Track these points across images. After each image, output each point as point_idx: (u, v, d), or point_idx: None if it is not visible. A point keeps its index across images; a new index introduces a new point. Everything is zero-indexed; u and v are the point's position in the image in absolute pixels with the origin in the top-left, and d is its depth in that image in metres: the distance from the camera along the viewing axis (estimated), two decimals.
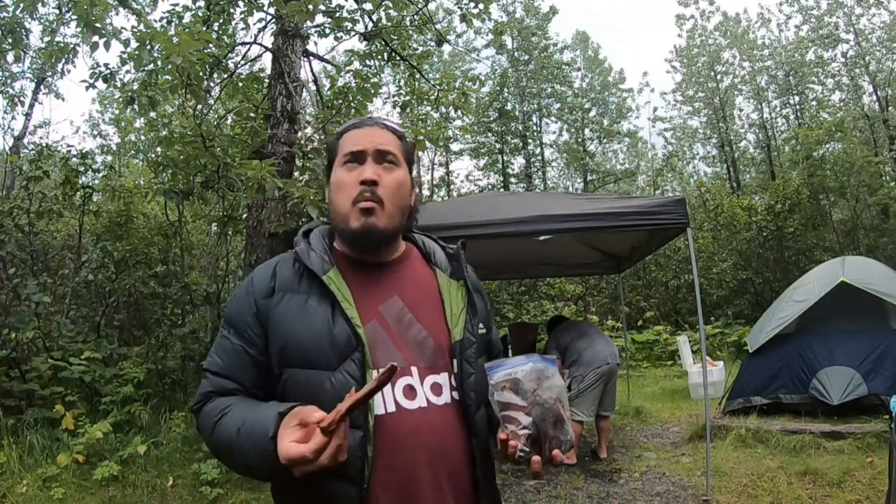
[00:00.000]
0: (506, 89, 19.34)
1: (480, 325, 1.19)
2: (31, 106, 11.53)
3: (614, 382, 4.98)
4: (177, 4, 5.60)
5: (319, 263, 1.11)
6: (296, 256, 1.15)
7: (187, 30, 4.06)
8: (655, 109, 22.73)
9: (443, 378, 1.09)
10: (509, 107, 19.63)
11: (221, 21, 5.76)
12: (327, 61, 6.79)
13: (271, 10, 5.46)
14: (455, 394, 1.09)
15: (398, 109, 6.63)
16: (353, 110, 5.52)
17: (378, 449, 1.01)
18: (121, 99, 4.96)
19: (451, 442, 1.07)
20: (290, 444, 0.88)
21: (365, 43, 6.01)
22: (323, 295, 1.09)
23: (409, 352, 1.08)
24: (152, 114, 5.27)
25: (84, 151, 6.52)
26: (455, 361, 1.11)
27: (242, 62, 6.16)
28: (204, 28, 4.63)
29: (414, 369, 1.07)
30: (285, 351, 1.07)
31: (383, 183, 1.12)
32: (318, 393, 1.01)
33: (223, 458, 1.07)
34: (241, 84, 6.22)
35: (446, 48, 17.33)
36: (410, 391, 1.06)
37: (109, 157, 12.18)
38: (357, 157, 1.13)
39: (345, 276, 1.12)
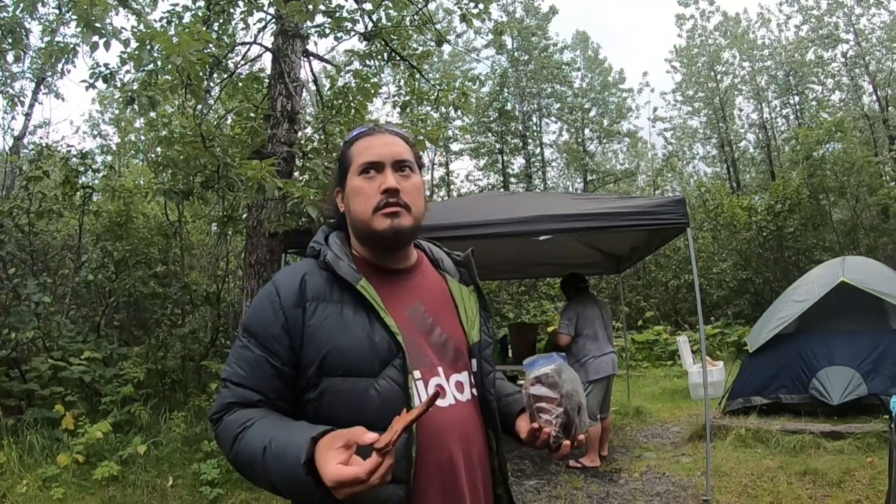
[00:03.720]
0: (506, 89, 19.33)
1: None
2: (31, 106, 11.52)
3: (611, 387, 5.06)
4: (177, 4, 5.59)
5: (351, 272, 1.13)
6: (325, 265, 1.15)
7: (187, 30, 4.05)
8: (655, 109, 22.72)
9: (464, 377, 1.18)
10: (509, 107, 19.63)
11: (221, 21, 5.75)
12: (327, 61, 6.78)
13: (271, 10, 5.45)
14: (475, 390, 1.19)
15: (398, 109, 6.62)
16: (353, 110, 5.51)
17: (419, 447, 1.06)
18: (121, 99, 4.97)
19: (475, 433, 1.16)
20: (338, 466, 0.88)
21: (365, 43, 6.01)
22: (357, 303, 1.11)
23: (434, 354, 1.16)
24: (152, 114, 5.27)
25: (84, 151, 6.52)
26: (474, 361, 1.21)
27: (242, 62, 6.16)
28: (204, 28, 4.62)
29: (440, 369, 1.15)
30: (326, 360, 1.07)
31: (404, 189, 1.16)
32: (363, 400, 1.05)
33: (243, 471, 1.06)
34: (241, 84, 6.22)
35: (446, 48, 17.33)
36: (440, 390, 1.14)
37: (109, 157, 12.15)
38: (375, 167, 1.17)
39: (371, 283, 1.14)
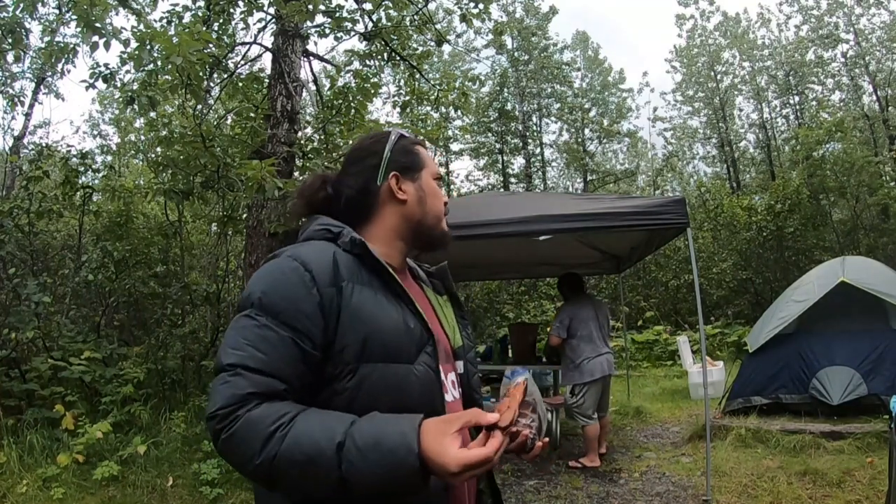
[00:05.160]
0: (506, 89, 19.34)
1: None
2: (31, 106, 11.52)
3: (609, 387, 5.11)
4: (177, 4, 5.59)
5: (380, 257, 1.12)
6: (351, 247, 1.09)
7: (187, 30, 4.06)
8: (655, 109, 22.71)
9: (453, 376, 1.22)
10: (509, 107, 19.63)
11: (221, 21, 5.75)
12: (327, 61, 6.79)
13: (271, 10, 5.46)
14: (461, 389, 1.23)
15: (398, 109, 6.62)
16: (353, 110, 5.52)
17: None
18: (121, 99, 4.97)
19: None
20: (464, 450, 0.88)
21: (365, 43, 6.01)
22: (387, 289, 1.09)
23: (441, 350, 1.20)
24: (152, 114, 5.27)
25: (84, 151, 6.53)
26: (460, 363, 1.25)
27: (242, 62, 6.16)
28: (204, 28, 4.63)
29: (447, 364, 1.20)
30: (367, 344, 1.01)
31: None
32: (405, 386, 1.03)
33: (286, 474, 0.90)
34: (241, 84, 6.22)
35: (446, 48, 17.33)
36: (452, 384, 1.20)
37: (109, 157, 12.15)
38: (440, 182, 1.29)
39: None
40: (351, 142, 4.64)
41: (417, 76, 6.44)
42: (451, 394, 1.17)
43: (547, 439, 1.12)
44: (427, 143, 1.33)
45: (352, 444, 0.87)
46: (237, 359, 0.95)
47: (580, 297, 5.10)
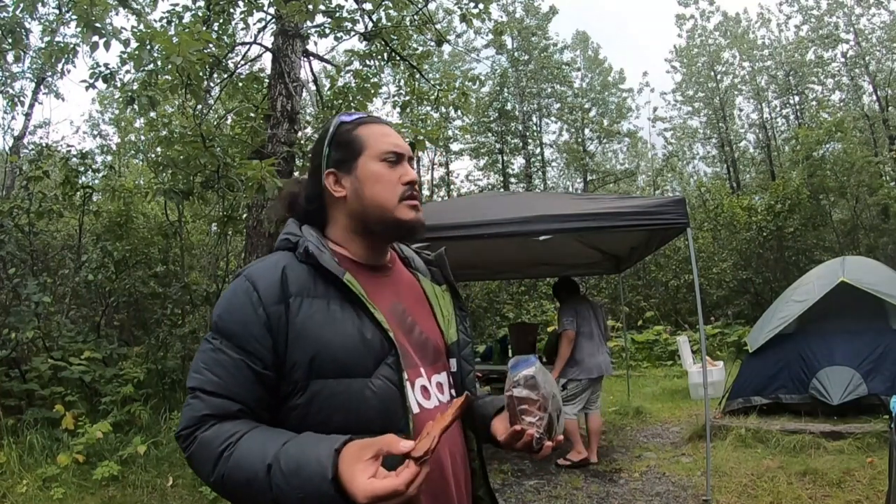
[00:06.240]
0: (506, 89, 19.35)
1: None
2: (31, 106, 11.52)
3: (601, 385, 5.08)
4: (177, 4, 5.60)
5: (334, 265, 1.05)
6: (306, 257, 1.05)
7: (187, 30, 4.06)
8: (655, 109, 22.71)
9: (443, 377, 1.15)
10: (509, 107, 19.64)
11: (221, 21, 5.76)
12: (327, 61, 6.80)
13: (271, 10, 5.46)
14: (453, 391, 1.16)
15: (398, 109, 6.63)
16: (353, 110, 5.52)
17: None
18: (121, 99, 4.97)
19: (456, 435, 1.14)
20: (372, 480, 0.81)
21: (365, 43, 6.01)
22: (344, 299, 1.03)
23: (416, 353, 1.11)
24: (152, 114, 5.28)
25: (84, 151, 6.53)
26: (453, 361, 1.17)
27: (242, 62, 6.17)
28: (204, 28, 4.63)
29: (422, 370, 1.11)
30: (316, 361, 0.98)
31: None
32: (359, 402, 0.98)
33: (232, 494, 0.93)
34: (241, 84, 6.23)
35: (446, 48, 17.33)
36: (425, 391, 1.10)
37: (109, 157, 12.16)
38: (397, 157, 1.13)
39: (356, 278, 1.08)
40: None
41: (417, 76, 6.44)
42: (433, 400, 1.10)
43: (561, 437, 1.08)
44: (381, 118, 1.19)
45: (277, 467, 0.87)
46: (196, 382, 0.98)
47: (578, 298, 5.14)
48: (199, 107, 5.22)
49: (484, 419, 1.17)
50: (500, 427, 1.10)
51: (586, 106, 20.40)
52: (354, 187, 1.12)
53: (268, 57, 5.84)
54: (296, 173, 5.33)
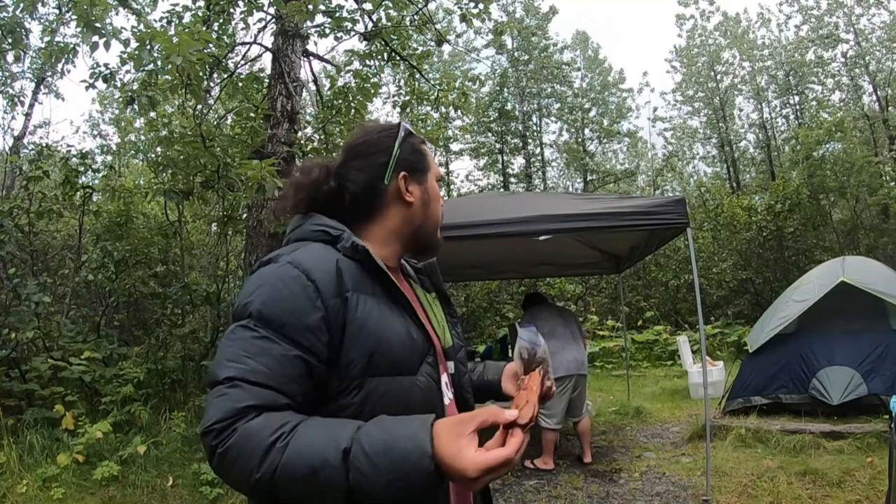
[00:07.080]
0: (506, 89, 19.35)
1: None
2: (31, 106, 11.55)
3: (582, 389, 4.82)
4: (177, 4, 5.60)
5: (384, 265, 1.06)
6: (354, 252, 1.03)
7: (187, 30, 4.06)
8: (655, 109, 22.78)
9: (446, 377, 1.18)
10: (509, 107, 19.64)
11: (221, 21, 5.76)
12: (327, 61, 6.79)
13: (271, 10, 5.46)
14: (451, 392, 1.19)
15: (398, 109, 6.63)
16: (353, 110, 5.52)
17: None
18: (121, 99, 4.96)
19: None
20: (480, 452, 0.81)
21: (365, 43, 6.02)
22: (389, 297, 1.05)
23: None
24: (152, 114, 5.27)
25: (84, 151, 6.52)
26: (451, 364, 1.21)
27: (242, 62, 6.17)
28: (204, 28, 4.63)
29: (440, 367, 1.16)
30: (374, 358, 0.97)
31: None
32: (409, 398, 1.00)
33: (287, 489, 0.83)
34: (241, 84, 6.23)
35: (446, 48, 17.34)
36: (447, 386, 1.17)
37: (109, 157, 12.18)
38: (440, 181, 1.24)
39: None
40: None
41: (417, 76, 6.44)
42: (447, 396, 1.14)
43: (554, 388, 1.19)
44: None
45: (359, 449, 0.81)
46: (236, 372, 0.88)
47: (542, 306, 5.16)
48: (199, 107, 5.22)
49: (491, 385, 1.33)
50: (512, 386, 1.26)
51: (586, 106, 20.40)
52: (423, 198, 1.18)
53: (268, 57, 5.85)
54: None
